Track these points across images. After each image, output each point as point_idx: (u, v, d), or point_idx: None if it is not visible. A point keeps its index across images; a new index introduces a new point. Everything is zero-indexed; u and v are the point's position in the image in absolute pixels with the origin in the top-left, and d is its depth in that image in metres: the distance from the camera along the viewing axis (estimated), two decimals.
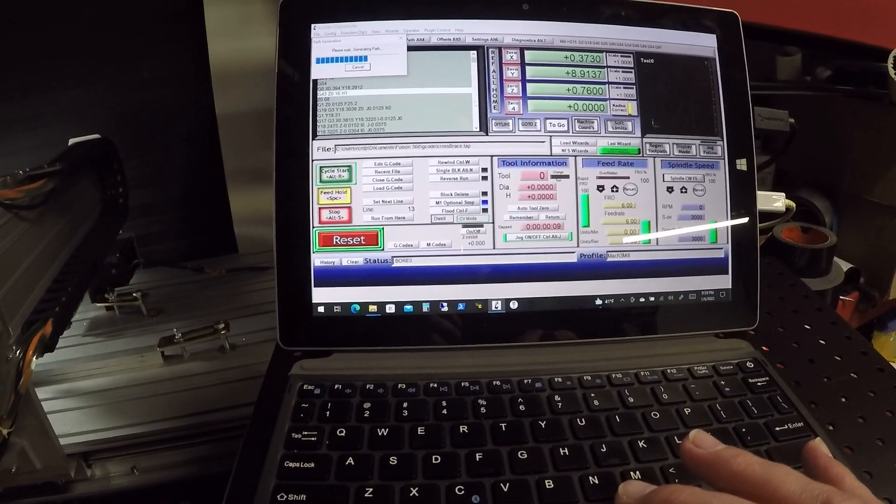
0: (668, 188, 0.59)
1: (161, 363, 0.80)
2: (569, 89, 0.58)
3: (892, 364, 0.60)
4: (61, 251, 0.79)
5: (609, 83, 0.59)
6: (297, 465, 0.45)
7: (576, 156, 0.58)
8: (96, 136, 0.93)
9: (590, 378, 0.54)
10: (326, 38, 0.57)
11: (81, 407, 0.72)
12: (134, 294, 0.91)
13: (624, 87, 0.59)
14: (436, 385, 0.53)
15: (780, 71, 1.03)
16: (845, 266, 0.98)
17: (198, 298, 0.97)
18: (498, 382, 0.53)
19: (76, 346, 0.85)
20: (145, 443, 0.69)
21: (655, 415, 0.50)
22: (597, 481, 0.44)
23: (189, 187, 1.17)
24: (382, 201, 0.56)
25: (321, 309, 0.56)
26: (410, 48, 0.57)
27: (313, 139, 0.56)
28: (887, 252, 1.04)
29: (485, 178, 0.57)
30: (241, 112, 1.07)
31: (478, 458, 0.45)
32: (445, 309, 0.57)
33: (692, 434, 0.37)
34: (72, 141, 0.91)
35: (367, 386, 0.52)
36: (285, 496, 0.42)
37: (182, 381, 0.76)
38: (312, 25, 0.57)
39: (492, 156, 0.57)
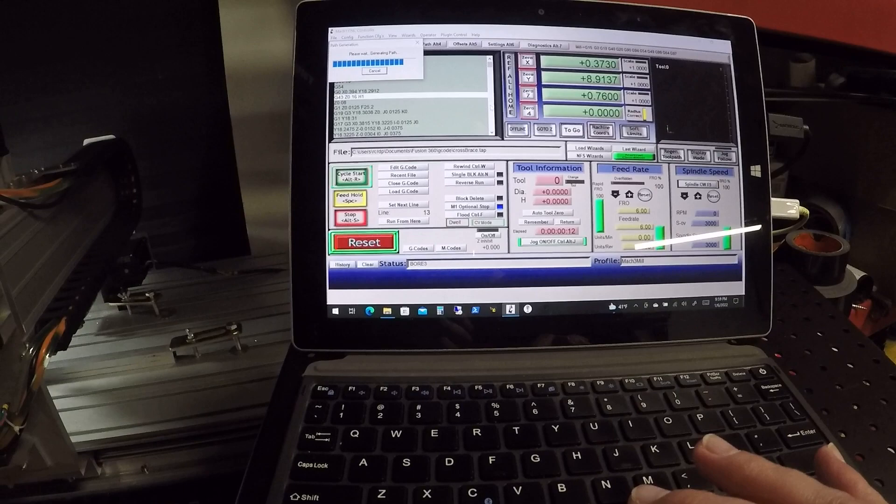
0: (682, 194, 0.59)
1: (173, 363, 0.80)
2: (584, 94, 0.58)
3: None
4: (75, 251, 0.79)
5: (624, 89, 0.59)
6: (311, 465, 0.45)
7: (591, 161, 0.58)
8: (111, 136, 0.94)
9: (603, 383, 0.54)
10: (343, 42, 0.58)
11: (93, 405, 0.73)
12: (147, 294, 0.92)
13: (639, 93, 0.59)
14: (449, 388, 0.53)
15: (794, 77, 1.03)
16: (858, 274, 0.97)
17: (210, 299, 0.97)
18: (511, 386, 0.53)
19: (89, 345, 0.86)
20: (156, 442, 0.69)
21: (668, 420, 0.50)
22: (609, 486, 0.43)
23: (202, 189, 1.18)
24: (398, 204, 0.57)
25: (335, 311, 0.57)
26: (427, 52, 0.58)
27: (330, 142, 0.57)
28: None
29: (500, 182, 0.57)
30: (254, 114, 1.08)
31: (491, 461, 0.45)
32: (459, 312, 0.57)
33: (706, 439, 0.37)
34: (86, 141, 0.92)
35: (381, 388, 0.53)
36: (298, 496, 0.43)
37: (193, 382, 0.77)
38: (329, 29, 0.58)
39: (507, 160, 0.57)
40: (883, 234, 1.05)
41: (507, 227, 0.57)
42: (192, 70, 1.11)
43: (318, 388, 0.53)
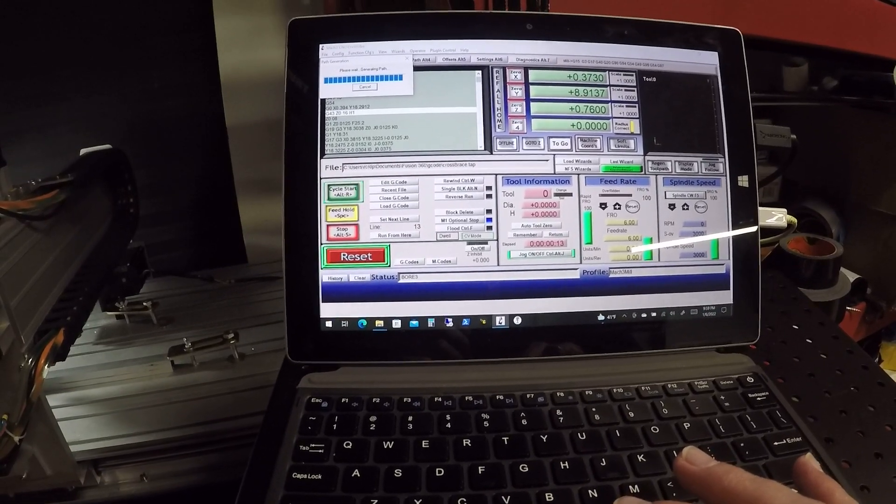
0: (669, 205, 0.59)
1: (171, 372, 0.81)
2: (572, 108, 0.59)
3: (892, 378, 0.61)
4: (73, 261, 0.80)
5: (612, 102, 0.59)
6: (305, 476, 0.46)
7: (579, 174, 0.58)
8: (107, 146, 0.94)
9: (591, 393, 0.54)
10: (334, 59, 0.58)
11: (92, 415, 0.73)
12: (144, 303, 0.93)
13: (626, 106, 0.59)
14: (440, 399, 0.53)
15: (787, 81, 1.04)
16: (852, 277, 0.98)
17: (207, 308, 0.98)
18: (501, 397, 0.54)
19: (87, 354, 0.87)
20: (154, 451, 0.70)
21: (655, 429, 0.50)
22: (596, 495, 0.44)
23: (199, 197, 1.18)
24: (389, 219, 0.57)
25: (329, 324, 0.57)
26: (416, 68, 0.58)
27: (321, 158, 0.57)
28: (894, 262, 1.04)
29: (489, 196, 0.58)
30: (250, 123, 1.08)
31: (480, 471, 0.46)
32: (450, 324, 0.57)
33: (685, 451, 0.38)
34: (83, 151, 0.92)
35: (374, 399, 0.53)
36: None
37: (191, 391, 0.77)
38: (320, 45, 0.58)
39: (496, 174, 0.58)
40: (876, 236, 1.06)
41: (497, 240, 0.58)
42: (187, 79, 1.11)
43: (312, 399, 0.54)
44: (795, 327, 0.70)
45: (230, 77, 1.07)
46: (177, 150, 1.15)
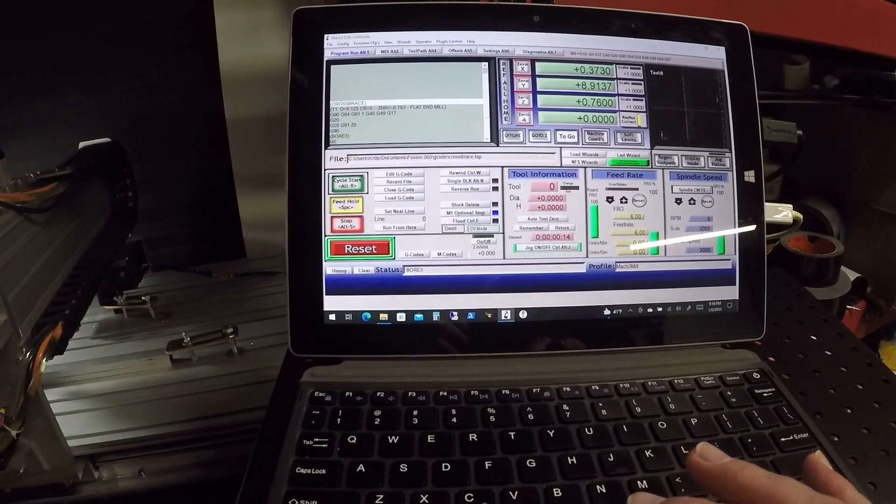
0: (676, 199, 0.59)
1: (169, 367, 0.80)
2: (579, 101, 0.58)
3: None
4: (71, 254, 0.79)
5: (619, 95, 0.59)
6: (309, 471, 0.45)
7: (585, 167, 0.58)
8: (106, 139, 0.94)
9: (598, 387, 0.54)
10: (339, 49, 0.58)
11: (89, 409, 0.73)
12: (143, 297, 0.92)
13: (633, 99, 0.59)
14: (445, 393, 0.53)
15: (788, 80, 1.04)
16: (852, 275, 0.98)
17: (206, 302, 0.97)
18: (507, 391, 0.53)
19: (85, 348, 0.86)
20: (153, 446, 0.69)
21: (662, 425, 0.50)
22: (604, 490, 0.44)
23: (198, 192, 1.18)
24: (394, 211, 0.57)
25: (332, 317, 0.57)
26: (423, 59, 0.58)
27: (326, 149, 0.57)
28: (894, 261, 1.04)
29: (495, 188, 0.57)
30: (250, 117, 1.08)
31: (487, 466, 0.46)
32: (455, 318, 0.57)
33: (699, 447, 0.37)
34: (82, 144, 0.92)
35: (378, 393, 0.53)
36: (297, 502, 0.43)
37: (190, 385, 0.77)
38: (325, 35, 0.58)
39: (502, 167, 0.57)
40: (877, 235, 1.06)
41: (503, 233, 0.57)
42: (187, 73, 1.11)
43: (316, 393, 0.53)
44: (800, 324, 0.70)
45: (230, 71, 1.07)
46: (176, 144, 1.14)
